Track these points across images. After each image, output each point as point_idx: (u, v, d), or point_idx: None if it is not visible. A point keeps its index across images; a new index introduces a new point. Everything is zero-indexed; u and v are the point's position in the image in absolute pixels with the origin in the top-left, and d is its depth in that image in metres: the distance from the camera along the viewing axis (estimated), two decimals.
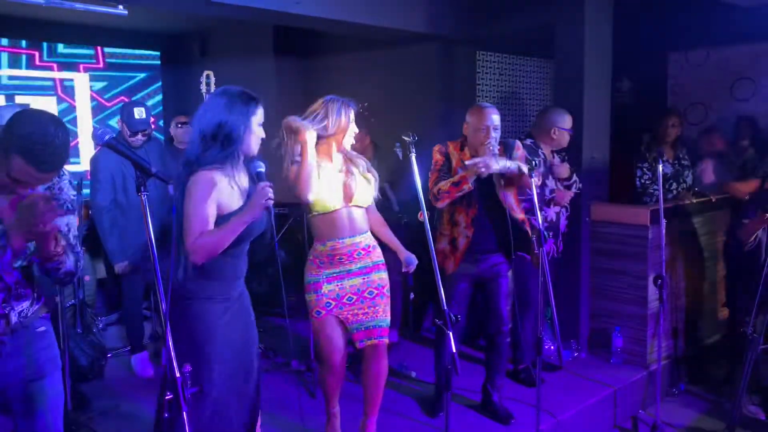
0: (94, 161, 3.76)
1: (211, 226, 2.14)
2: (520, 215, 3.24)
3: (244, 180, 2.27)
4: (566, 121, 3.86)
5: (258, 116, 2.23)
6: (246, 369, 2.38)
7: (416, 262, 2.94)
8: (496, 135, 3.11)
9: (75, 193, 2.08)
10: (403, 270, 2.97)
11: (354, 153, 2.92)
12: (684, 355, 4.42)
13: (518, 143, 3.27)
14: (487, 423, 3.38)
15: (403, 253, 2.95)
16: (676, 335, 4.37)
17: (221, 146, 2.16)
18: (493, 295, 3.28)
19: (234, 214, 2.17)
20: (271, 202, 2.09)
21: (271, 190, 2.10)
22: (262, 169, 2.13)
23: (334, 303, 2.80)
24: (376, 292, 2.85)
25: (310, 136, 2.66)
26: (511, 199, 3.21)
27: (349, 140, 2.82)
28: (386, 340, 2.90)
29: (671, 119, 4.56)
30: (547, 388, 3.66)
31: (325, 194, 2.74)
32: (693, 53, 5.65)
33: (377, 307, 2.85)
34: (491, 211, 3.18)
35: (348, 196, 2.78)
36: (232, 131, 2.15)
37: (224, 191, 2.16)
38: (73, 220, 2.08)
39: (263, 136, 2.28)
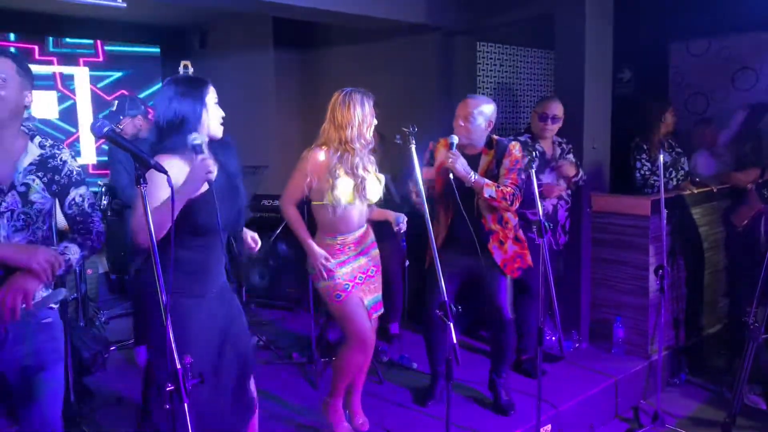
0: (110, 151, 3.95)
1: (158, 202, 2.07)
2: (491, 225, 3.25)
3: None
4: (544, 106, 3.86)
5: (212, 95, 2.23)
6: (231, 366, 2.32)
7: (404, 218, 3.05)
8: (464, 125, 3.20)
9: (79, 165, 2.10)
10: (395, 228, 3.05)
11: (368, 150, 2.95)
12: (685, 345, 4.43)
13: (512, 147, 3.22)
14: (486, 413, 3.39)
15: (392, 215, 3.06)
16: (677, 325, 4.38)
17: (178, 133, 2.14)
18: (491, 291, 3.28)
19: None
20: (212, 175, 2.03)
21: (211, 162, 2.03)
22: (199, 141, 2.04)
23: (351, 284, 2.91)
24: (375, 269, 3.03)
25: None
26: (487, 204, 3.20)
27: (370, 131, 2.87)
28: (381, 311, 3.07)
29: (662, 112, 4.55)
30: (549, 378, 3.68)
31: (345, 188, 2.81)
32: (694, 43, 5.63)
33: (376, 283, 3.04)
34: (467, 209, 3.17)
35: (363, 194, 2.86)
36: (188, 116, 2.14)
37: (180, 177, 2.07)
38: (84, 191, 2.10)
39: (222, 114, 2.26)
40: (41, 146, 2.03)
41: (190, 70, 3.02)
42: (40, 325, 2.04)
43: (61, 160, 2.05)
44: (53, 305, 2.09)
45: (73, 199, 2.07)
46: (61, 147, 2.08)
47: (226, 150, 2.32)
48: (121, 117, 3.92)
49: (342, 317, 2.91)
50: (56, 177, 2.03)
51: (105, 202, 4.89)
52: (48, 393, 2.06)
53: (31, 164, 1.99)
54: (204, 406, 2.20)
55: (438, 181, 3.24)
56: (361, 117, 2.80)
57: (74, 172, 2.08)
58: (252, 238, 2.55)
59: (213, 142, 2.25)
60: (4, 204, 1.92)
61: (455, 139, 3.11)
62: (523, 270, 3.35)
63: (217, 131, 2.25)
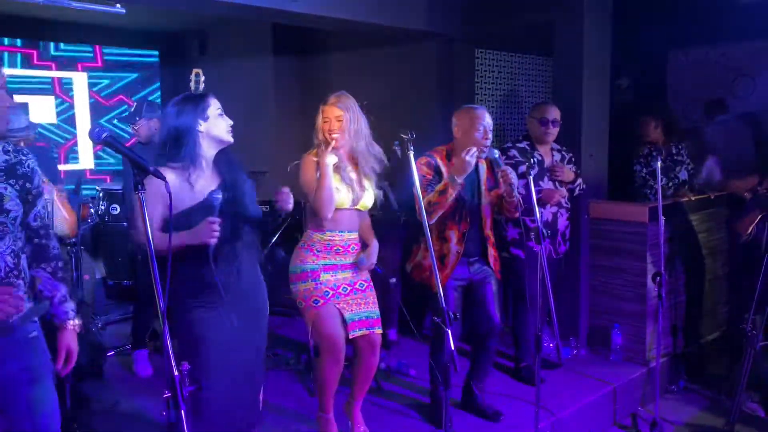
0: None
1: (156, 221, 2.19)
2: (488, 231, 3.28)
3: (205, 176, 2.31)
4: (543, 111, 3.85)
5: (213, 107, 2.33)
6: (243, 374, 2.38)
7: (366, 264, 2.95)
8: (490, 137, 3.15)
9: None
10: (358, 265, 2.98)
11: (366, 157, 2.91)
12: (683, 352, 4.42)
13: (498, 153, 3.22)
14: (482, 421, 3.37)
15: (367, 250, 2.97)
16: (676, 332, 4.37)
17: (176, 148, 2.28)
18: (482, 297, 3.28)
19: (184, 215, 2.22)
20: (215, 241, 2.16)
21: (217, 227, 2.15)
22: (218, 200, 2.17)
23: (331, 292, 2.85)
24: (365, 285, 2.97)
25: (329, 159, 2.76)
26: (488, 213, 3.26)
27: (323, 136, 2.82)
28: (380, 331, 2.97)
29: (642, 124, 4.65)
30: (547, 385, 3.66)
31: (340, 194, 2.81)
32: (692, 51, 5.65)
33: (368, 299, 2.95)
34: (478, 220, 3.23)
35: (357, 200, 2.87)
36: (185, 133, 2.27)
37: (173, 188, 2.09)
38: (44, 200, 2.09)
39: (230, 122, 2.37)
40: (5, 151, 1.94)
41: (202, 77, 3.03)
42: (28, 339, 2.00)
43: (29, 167, 1.97)
44: (36, 319, 2.06)
45: (39, 210, 2.03)
46: (25, 152, 2.00)
47: (231, 165, 2.38)
48: (138, 118, 3.94)
49: (314, 325, 2.85)
50: (27, 185, 1.96)
51: (103, 208, 4.89)
52: (48, 405, 2.04)
53: None
54: (214, 414, 2.26)
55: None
56: (317, 119, 2.87)
57: (41, 181, 2.03)
58: (284, 193, 2.44)
59: (219, 157, 2.36)
60: None
61: (497, 153, 3.07)
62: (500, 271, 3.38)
63: (226, 138, 2.36)
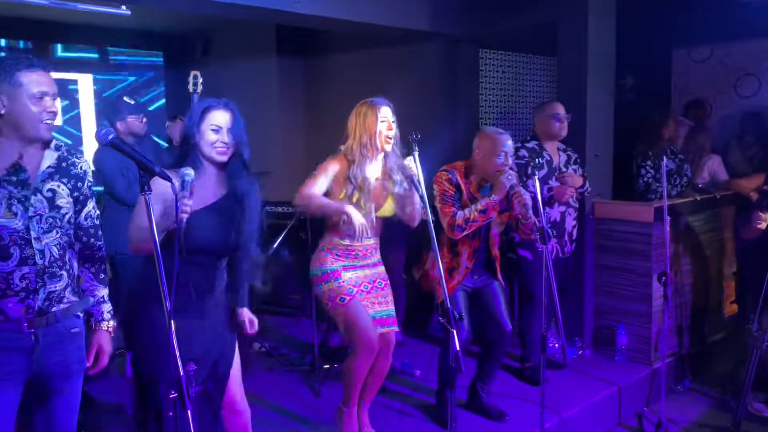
0: (97, 161, 3.73)
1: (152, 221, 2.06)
2: (496, 251, 3.30)
3: (210, 183, 2.23)
4: (548, 108, 3.85)
5: (208, 120, 2.19)
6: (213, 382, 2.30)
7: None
8: (510, 162, 3.15)
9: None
10: None
11: (398, 166, 2.84)
12: (689, 352, 4.41)
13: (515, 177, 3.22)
14: (487, 421, 3.36)
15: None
16: (681, 332, 4.36)
17: (182, 149, 2.24)
18: (490, 302, 3.28)
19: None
20: (185, 216, 1.97)
21: (186, 203, 1.97)
22: (189, 178, 1.98)
23: (355, 289, 2.87)
24: (383, 283, 2.99)
25: (357, 219, 2.70)
26: (496, 232, 3.28)
27: (379, 142, 2.79)
28: (396, 329, 3.00)
29: (667, 122, 4.61)
30: (552, 386, 3.66)
31: (362, 210, 2.79)
32: (697, 50, 5.64)
33: (387, 297, 2.98)
34: (487, 239, 3.26)
35: (377, 207, 2.87)
36: (188, 136, 2.22)
37: (169, 192, 2.00)
38: (94, 201, 2.15)
39: (223, 139, 2.20)
40: (59, 153, 2.03)
41: (200, 79, 3.00)
42: (70, 334, 2.04)
43: (81, 169, 2.06)
44: (80, 313, 2.10)
45: (90, 211, 2.11)
46: (79, 155, 2.08)
47: (249, 183, 2.29)
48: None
49: (345, 322, 2.85)
50: (79, 184, 2.05)
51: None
52: (72, 402, 2.09)
53: (49, 167, 1.98)
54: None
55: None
56: (353, 126, 2.81)
57: (91, 183, 2.10)
58: (249, 320, 2.44)
59: (232, 162, 2.24)
60: (32, 209, 1.92)
61: (513, 178, 3.07)
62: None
63: (213, 157, 2.21)
